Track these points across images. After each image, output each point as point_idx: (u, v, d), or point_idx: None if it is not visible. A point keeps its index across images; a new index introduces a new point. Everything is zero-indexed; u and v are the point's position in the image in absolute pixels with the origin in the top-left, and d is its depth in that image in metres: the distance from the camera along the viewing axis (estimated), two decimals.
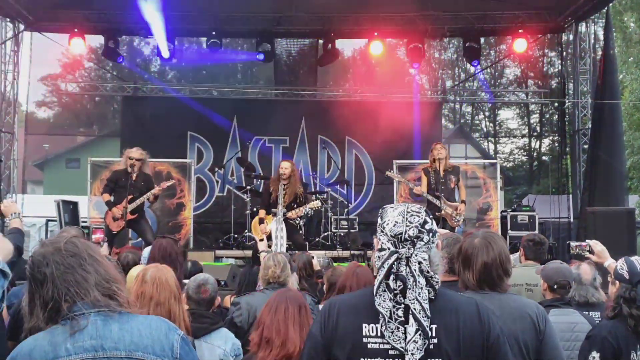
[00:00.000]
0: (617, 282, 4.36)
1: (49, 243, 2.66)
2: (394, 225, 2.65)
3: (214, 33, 15.59)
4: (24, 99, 17.38)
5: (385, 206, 2.80)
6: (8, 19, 15.49)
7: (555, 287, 5.21)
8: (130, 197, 10.73)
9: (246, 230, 14.32)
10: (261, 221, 11.38)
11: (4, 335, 4.89)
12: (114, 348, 2.50)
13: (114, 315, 2.55)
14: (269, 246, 10.63)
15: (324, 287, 6.26)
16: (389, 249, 2.64)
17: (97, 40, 16.94)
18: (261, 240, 9.00)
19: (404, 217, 2.66)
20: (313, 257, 7.60)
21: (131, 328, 2.55)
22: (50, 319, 2.54)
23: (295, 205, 11.22)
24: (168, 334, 2.61)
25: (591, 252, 5.22)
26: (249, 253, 12.62)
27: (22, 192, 17.53)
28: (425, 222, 2.66)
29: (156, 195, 11.08)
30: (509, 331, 3.53)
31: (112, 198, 11.04)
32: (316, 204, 11.61)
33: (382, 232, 2.69)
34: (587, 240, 5.40)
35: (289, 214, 11.15)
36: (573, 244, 5.54)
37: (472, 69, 25.57)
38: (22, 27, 15.75)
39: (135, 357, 2.51)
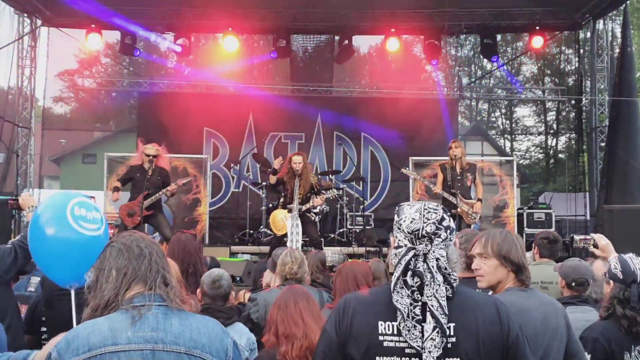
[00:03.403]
0: (611, 281, 4.30)
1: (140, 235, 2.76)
2: (411, 222, 2.64)
3: (230, 29, 15.60)
4: (40, 94, 17.48)
5: (401, 204, 2.79)
6: (25, 15, 15.56)
7: (573, 284, 5.18)
8: (145, 193, 10.74)
9: (262, 226, 14.35)
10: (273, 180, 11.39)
11: (19, 327, 4.92)
12: (174, 342, 2.51)
13: (174, 311, 2.58)
14: (284, 243, 10.63)
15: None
16: (406, 245, 2.63)
17: (114, 35, 16.97)
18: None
19: (421, 214, 2.65)
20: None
21: (190, 325, 2.58)
22: (121, 293, 2.57)
23: (310, 195, 11.18)
24: (223, 337, 2.65)
25: (595, 246, 5.16)
26: (264, 249, 12.65)
27: (38, 187, 17.61)
28: (442, 218, 2.65)
29: (173, 192, 11.10)
30: (553, 327, 3.71)
31: (119, 185, 11.06)
32: (333, 192, 11.69)
33: (399, 229, 2.68)
34: (591, 234, 5.33)
35: (314, 202, 11.12)
36: (577, 237, 5.48)
37: (489, 66, 25.50)
38: (39, 22, 15.82)
39: (194, 354, 2.53)
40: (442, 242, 2.62)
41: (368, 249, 13.17)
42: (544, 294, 4.05)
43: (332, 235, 14.70)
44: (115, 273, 2.59)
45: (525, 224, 13.96)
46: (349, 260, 7.99)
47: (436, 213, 2.66)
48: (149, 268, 2.60)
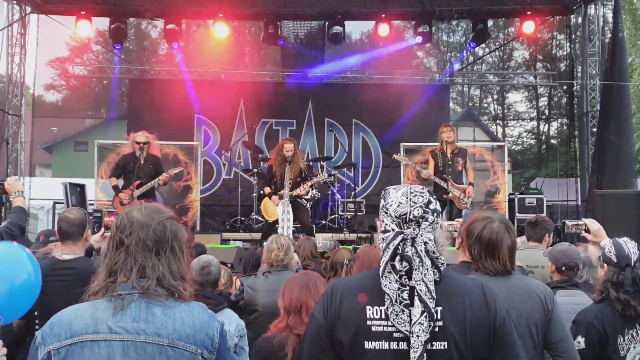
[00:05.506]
0: (605, 265, 4.32)
1: (146, 213, 2.64)
2: (398, 206, 2.62)
3: (221, 15, 15.53)
4: (31, 81, 17.39)
5: (387, 187, 2.77)
6: (15, 1, 15.43)
7: (563, 268, 5.17)
8: (138, 182, 10.74)
9: (253, 213, 14.34)
10: (269, 196, 11.31)
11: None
12: (156, 334, 2.47)
13: (158, 301, 2.51)
14: (276, 230, 10.62)
15: (328, 266, 6.26)
16: (393, 230, 2.61)
17: (105, 22, 16.86)
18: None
19: (407, 198, 2.63)
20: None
21: (174, 314, 2.51)
22: (107, 287, 2.52)
23: (300, 180, 11.17)
24: (210, 324, 2.58)
25: (587, 231, 5.17)
26: (256, 235, 12.64)
27: (30, 175, 17.52)
28: (429, 202, 2.63)
29: (165, 181, 11.10)
30: (518, 311, 3.55)
31: (119, 183, 11.05)
32: (323, 175, 11.69)
33: (386, 213, 2.66)
34: (583, 219, 5.35)
35: (300, 189, 11.11)
36: (569, 222, 5.49)
37: (481, 52, 25.50)
38: (28, 9, 15.69)
39: (177, 347, 2.48)
40: (429, 225, 2.60)
41: (359, 235, 13.17)
42: (529, 278, 3.97)
43: (324, 222, 14.69)
44: (103, 265, 2.57)
45: (516, 209, 13.95)
46: (368, 246, 7.98)
47: (422, 196, 2.64)
48: (122, 264, 2.53)
